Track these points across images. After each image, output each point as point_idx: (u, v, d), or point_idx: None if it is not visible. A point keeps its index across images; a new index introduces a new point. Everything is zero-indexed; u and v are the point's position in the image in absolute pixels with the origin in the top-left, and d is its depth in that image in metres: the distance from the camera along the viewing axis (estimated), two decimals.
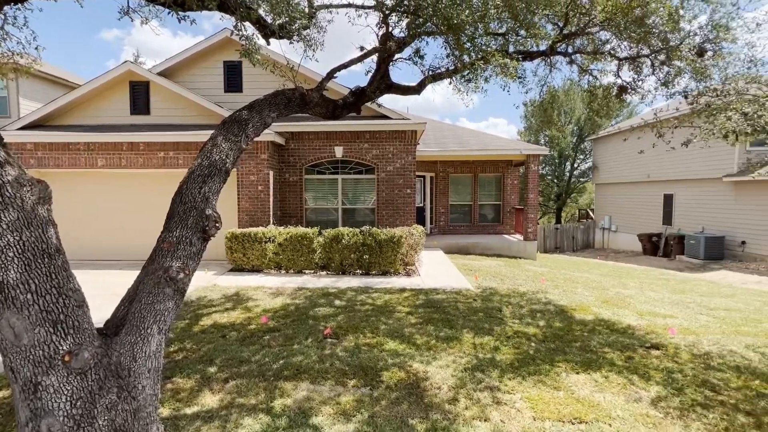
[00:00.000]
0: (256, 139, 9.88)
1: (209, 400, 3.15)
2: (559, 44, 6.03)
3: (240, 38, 3.52)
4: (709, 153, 13.61)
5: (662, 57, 5.25)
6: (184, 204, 2.81)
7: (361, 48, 4.76)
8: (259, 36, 4.00)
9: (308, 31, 4.69)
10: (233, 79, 10.13)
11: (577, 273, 9.96)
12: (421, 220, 13.86)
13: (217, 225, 2.85)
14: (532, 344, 4.36)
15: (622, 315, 5.62)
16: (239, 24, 3.38)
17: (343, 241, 7.78)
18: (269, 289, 6.66)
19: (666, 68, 5.25)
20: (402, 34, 4.79)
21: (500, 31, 4.92)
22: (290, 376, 3.51)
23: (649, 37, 5.03)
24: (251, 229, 8.22)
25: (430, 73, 5.24)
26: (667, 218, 16.43)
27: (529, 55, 5.97)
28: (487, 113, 71.57)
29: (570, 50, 6.16)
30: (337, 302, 5.91)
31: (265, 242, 7.95)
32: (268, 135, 8.94)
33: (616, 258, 16.27)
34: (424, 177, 14.25)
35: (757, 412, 3.05)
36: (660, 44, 5.04)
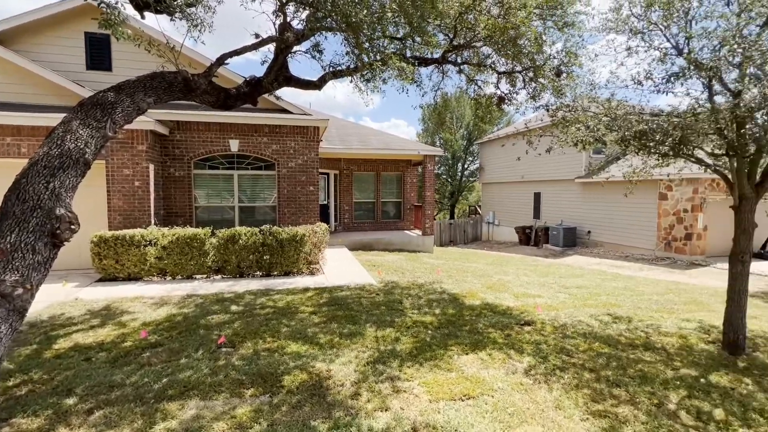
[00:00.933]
0: (131, 127, 8.57)
1: None
2: (449, 54, 6.54)
3: (99, 4, 2.97)
4: (566, 158, 16.42)
5: (531, 74, 6.11)
6: (23, 202, 2.27)
7: (257, 36, 4.47)
8: (129, 6, 3.44)
9: (194, 9, 4.22)
10: (99, 54, 8.57)
11: (467, 263, 11.03)
12: (325, 218, 13.74)
13: (72, 227, 2.37)
14: (429, 332, 4.67)
15: (503, 298, 6.41)
16: None
17: (241, 241, 7.25)
18: (150, 299, 5.84)
19: (534, 84, 6.13)
20: (301, 26, 4.64)
21: (398, 35, 5.13)
22: (176, 395, 3.13)
23: (521, 56, 5.80)
24: (126, 231, 7.08)
25: (331, 69, 5.20)
26: (537, 213, 19.32)
27: (424, 61, 6.35)
28: (390, 114, 74.45)
29: (459, 60, 6.74)
30: (234, 307, 5.48)
31: (145, 246, 6.95)
32: (147, 123, 7.80)
33: (499, 248, 18.52)
34: (327, 174, 14.14)
35: (597, 368, 3.79)
36: (529, 63, 5.85)
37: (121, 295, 6.02)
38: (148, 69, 3.61)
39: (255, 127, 9.33)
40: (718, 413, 3.04)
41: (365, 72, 4.69)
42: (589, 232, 16.24)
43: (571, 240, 16.45)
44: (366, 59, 4.09)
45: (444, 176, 32.69)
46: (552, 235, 16.83)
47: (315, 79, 5.33)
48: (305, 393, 3.19)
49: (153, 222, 8.09)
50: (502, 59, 6.34)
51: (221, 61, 4.03)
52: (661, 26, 4.29)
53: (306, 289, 6.56)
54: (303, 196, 9.68)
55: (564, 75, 5.84)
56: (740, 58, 3.27)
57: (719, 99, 4.02)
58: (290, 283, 6.96)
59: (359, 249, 11.99)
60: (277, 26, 4.51)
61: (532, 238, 18.32)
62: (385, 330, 4.68)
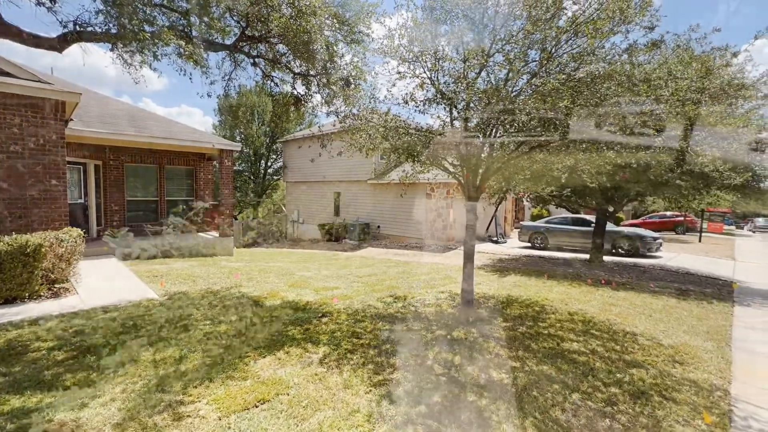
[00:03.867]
0: None
1: None
2: (243, 44, 6.18)
3: None
4: (360, 162, 18.38)
5: (324, 80, 6.49)
6: None
7: None
8: None
9: None
10: None
11: (271, 263, 10.77)
12: (82, 221, 10.64)
13: None
14: (223, 342, 4.29)
15: (304, 294, 6.58)
16: None
17: None
18: None
19: (327, 90, 6.53)
20: None
21: (174, 7, 4.43)
22: None
23: (314, 61, 6.07)
24: None
25: (77, 28, 4.02)
26: (337, 211, 20.85)
27: (213, 46, 5.78)
28: (180, 99, 64.43)
29: (254, 53, 6.47)
30: None
31: None
32: None
33: (304, 246, 18.97)
34: (85, 165, 10.97)
35: (380, 344, 4.38)
36: (322, 69, 6.19)
37: None
38: None
39: None
40: (456, 359, 4.05)
41: (130, 42, 3.84)
42: (379, 226, 18.73)
43: (366, 234, 18.57)
44: (128, 25, 3.34)
45: (246, 173, 30.93)
46: (350, 230, 18.53)
47: (53, 36, 4.02)
48: None
49: None
50: (298, 61, 6.48)
51: None
52: (420, 60, 5.33)
53: (45, 318, 4.87)
54: (39, 194, 7.14)
55: (352, 86, 6.48)
56: (465, 95, 4.44)
57: (457, 123, 5.34)
58: (15, 314, 5.01)
59: (137, 257, 9.85)
60: None
61: (333, 234, 19.63)
62: (167, 350, 4.00)
